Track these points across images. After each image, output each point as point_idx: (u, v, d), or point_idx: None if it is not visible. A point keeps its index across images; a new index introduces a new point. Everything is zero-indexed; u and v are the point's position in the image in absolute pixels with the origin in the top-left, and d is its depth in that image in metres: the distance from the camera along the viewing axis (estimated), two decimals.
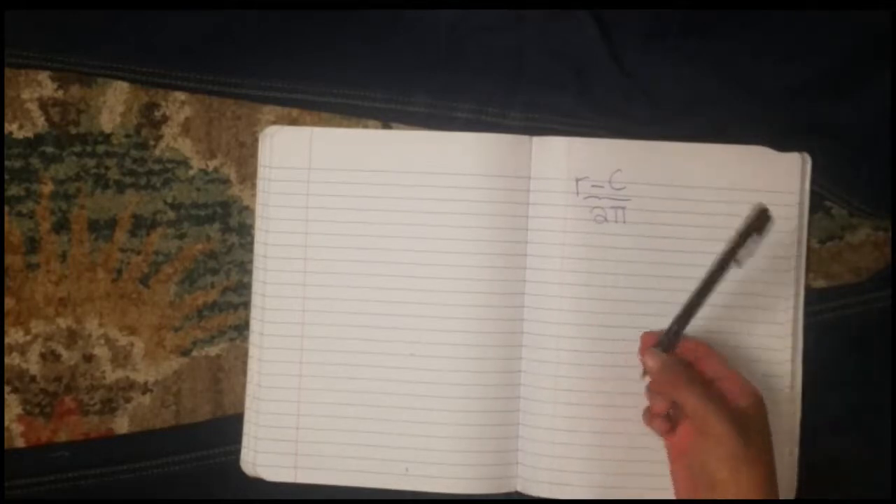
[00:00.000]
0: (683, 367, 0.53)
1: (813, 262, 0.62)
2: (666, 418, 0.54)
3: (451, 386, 0.58)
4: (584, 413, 0.57)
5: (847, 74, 0.60)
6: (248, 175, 0.63)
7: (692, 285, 0.58)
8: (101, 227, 0.63)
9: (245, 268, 0.63)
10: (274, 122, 0.63)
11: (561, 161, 0.58)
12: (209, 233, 0.63)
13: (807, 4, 0.59)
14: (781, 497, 0.56)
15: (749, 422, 0.50)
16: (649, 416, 0.55)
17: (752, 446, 0.49)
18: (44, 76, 0.64)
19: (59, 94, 0.64)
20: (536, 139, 0.59)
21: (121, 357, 0.63)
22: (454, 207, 0.59)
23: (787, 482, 0.58)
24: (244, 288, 0.63)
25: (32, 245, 0.63)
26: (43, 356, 0.63)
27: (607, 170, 0.58)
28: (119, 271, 0.63)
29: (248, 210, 0.63)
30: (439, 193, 0.59)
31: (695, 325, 0.57)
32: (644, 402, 0.56)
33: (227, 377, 0.63)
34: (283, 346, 0.60)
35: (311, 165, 0.60)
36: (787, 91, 0.60)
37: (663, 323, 0.57)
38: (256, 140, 0.62)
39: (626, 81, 0.60)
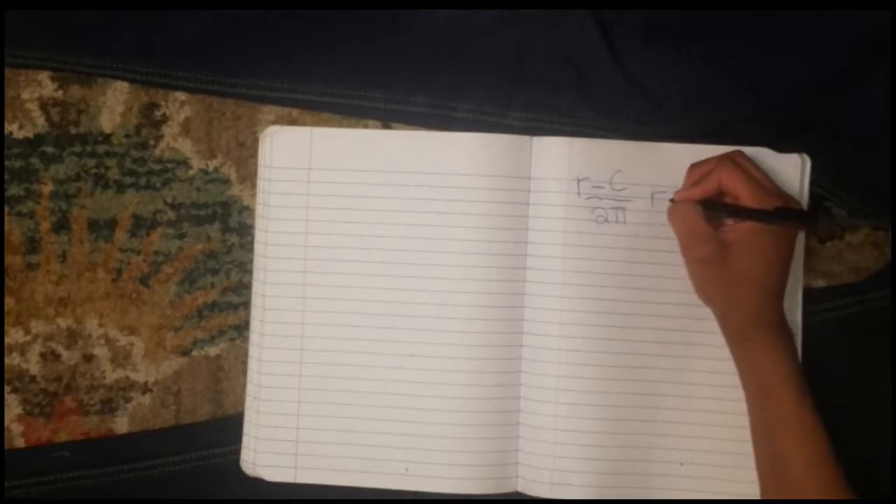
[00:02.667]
0: (689, 218, 0.55)
1: (813, 262, 0.62)
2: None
3: (451, 386, 0.58)
4: (584, 413, 0.57)
5: (847, 74, 0.60)
6: (248, 175, 0.63)
7: (692, 286, 0.58)
8: (101, 227, 0.63)
9: (245, 268, 0.63)
10: (274, 122, 0.63)
11: (562, 161, 0.58)
12: (209, 233, 0.63)
13: (807, 4, 0.59)
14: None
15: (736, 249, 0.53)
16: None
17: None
18: (44, 76, 0.64)
19: (59, 94, 0.64)
20: (537, 139, 0.59)
21: (121, 357, 0.63)
22: (454, 207, 0.59)
23: None
24: (244, 288, 0.63)
25: (32, 245, 0.63)
26: (43, 356, 0.63)
27: (608, 170, 0.58)
28: (119, 271, 0.63)
29: (248, 210, 0.63)
30: (439, 193, 0.59)
31: (689, 324, 0.57)
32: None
33: (227, 377, 0.63)
34: (283, 346, 0.60)
35: (311, 165, 0.60)
36: (787, 91, 0.60)
37: (662, 323, 0.57)
38: (256, 140, 0.62)
39: (626, 81, 0.60)
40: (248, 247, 0.62)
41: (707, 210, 0.54)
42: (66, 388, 0.63)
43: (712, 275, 0.54)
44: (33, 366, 0.63)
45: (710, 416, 0.58)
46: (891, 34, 0.58)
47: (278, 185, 0.60)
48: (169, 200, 0.63)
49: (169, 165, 0.64)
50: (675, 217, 0.56)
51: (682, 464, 0.58)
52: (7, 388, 0.63)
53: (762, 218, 0.52)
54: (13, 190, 0.63)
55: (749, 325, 0.53)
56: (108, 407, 0.63)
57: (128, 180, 0.63)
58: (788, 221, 0.53)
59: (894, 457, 0.57)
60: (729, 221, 0.55)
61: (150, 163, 0.64)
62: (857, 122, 0.60)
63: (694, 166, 0.57)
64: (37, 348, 0.63)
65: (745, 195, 0.53)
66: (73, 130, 0.64)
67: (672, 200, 0.57)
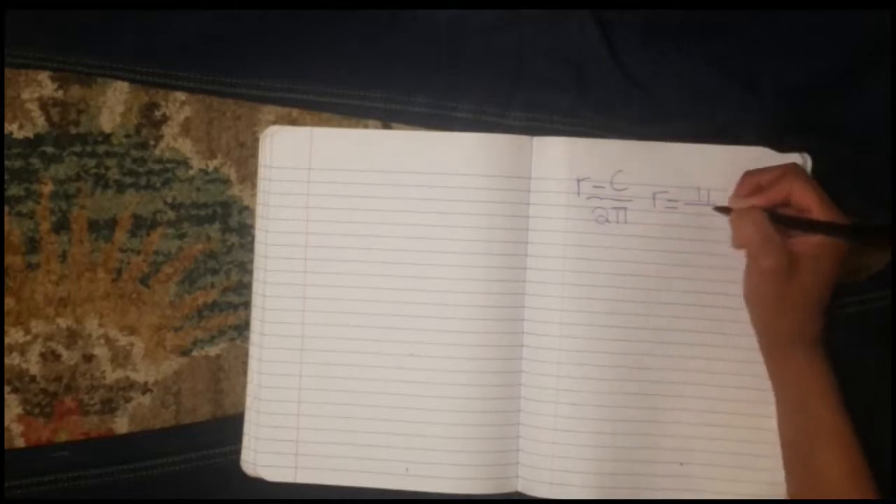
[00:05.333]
0: (762, 225, 0.53)
1: None
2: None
3: (451, 386, 0.58)
4: (584, 413, 0.57)
5: (847, 74, 0.60)
6: (248, 175, 0.63)
7: (693, 286, 0.58)
8: (101, 227, 0.63)
9: (245, 268, 0.63)
10: (274, 122, 0.63)
11: (562, 162, 0.58)
12: (209, 233, 0.63)
13: (807, 4, 0.59)
14: (780, 497, 0.56)
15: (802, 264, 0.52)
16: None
17: (793, 288, 0.52)
18: (44, 76, 0.64)
19: (59, 94, 0.64)
20: (537, 139, 0.59)
21: (121, 357, 0.63)
22: (454, 207, 0.59)
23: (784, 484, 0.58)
24: (244, 288, 0.63)
25: (32, 245, 0.63)
26: (43, 356, 0.63)
27: (609, 170, 0.58)
28: (119, 271, 0.63)
29: (248, 210, 0.63)
30: (439, 193, 0.59)
31: (691, 324, 0.57)
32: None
33: (227, 377, 0.63)
34: (283, 346, 0.60)
35: (311, 165, 0.60)
36: (787, 91, 0.60)
37: (663, 323, 0.57)
38: (256, 140, 0.62)
39: (626, 81, 0.60)
40: (248, 247, 0.63)
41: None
42: (66, 388, 0.63)
43: (772, 286, 0.53)
44: (33, 366, 0.63)
45: (710, 417, 0.58)
46: (891, 34, 0.58)
47: (278, 185, 0.60)
48: (169, 200, 0.63)
49: (169, 165, 0.64)
50: (747, 223, 0.54)
51: (682, 464, 0.58)
52: (7, 388, 0.63)
53: (838, 234, 0.52)
54: (13, 190, 0.63)
55: (793, 340, 0.54)
56: (108, 407, 0.63)
57: (128, 180, 0.63)
58: (864, 239, 0.53)
59: (894, 457, 0.57)
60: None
61: (150, 163, 0.64)
62: (857, 122, 0.60)
63: (749, 174, 0.56)
64: (37, 348, 0.63)
65: (818, 210, 0.52)
66: (73, 130, 0.64)
67: (719, 208, 0.56)
